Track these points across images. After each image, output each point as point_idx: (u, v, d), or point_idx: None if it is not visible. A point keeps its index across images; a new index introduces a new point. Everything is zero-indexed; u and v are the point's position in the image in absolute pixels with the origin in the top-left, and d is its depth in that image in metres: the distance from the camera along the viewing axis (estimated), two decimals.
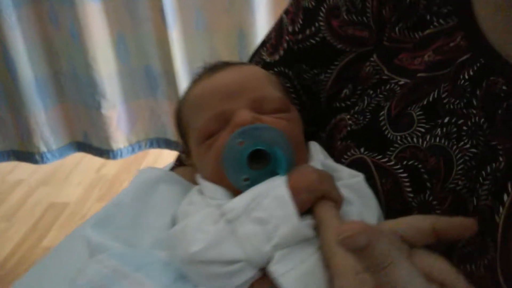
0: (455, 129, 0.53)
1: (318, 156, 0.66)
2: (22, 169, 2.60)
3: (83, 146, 2.08)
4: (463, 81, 0.52)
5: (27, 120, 1.95)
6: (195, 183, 0.68)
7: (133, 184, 0.67)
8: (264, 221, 0.52)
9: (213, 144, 0.62)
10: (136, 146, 2.03)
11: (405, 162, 0.58)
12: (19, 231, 2.24)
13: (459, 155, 0.52)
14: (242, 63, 0.75)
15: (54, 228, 2.27)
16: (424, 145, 0.54)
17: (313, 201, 0.53)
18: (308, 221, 0.52)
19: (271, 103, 0.63)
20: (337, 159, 0.66)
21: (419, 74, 0.56)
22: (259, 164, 0.58)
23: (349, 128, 0.63)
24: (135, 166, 2.62)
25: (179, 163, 0.82)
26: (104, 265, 0.55)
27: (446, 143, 0.53)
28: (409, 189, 0.57)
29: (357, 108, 0.63)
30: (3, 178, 2.69)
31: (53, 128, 2.00)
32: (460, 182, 0.51)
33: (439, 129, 0.54)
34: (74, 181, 2.65)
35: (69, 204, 2.45)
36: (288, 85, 0.73)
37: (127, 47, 1.88)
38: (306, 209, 0.53)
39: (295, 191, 0.53)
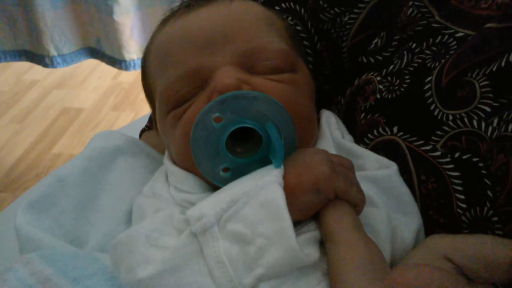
0: None
1: (333, 134, 0.49)
2: (38, 70, 2.49)
3: (96, 52, 1.95)
4: None
5: (36, 19, 1.82)
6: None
7: (84, 154, 0.53)
8: (244, 239, 0.37)
9: (181, 116, 0.46)
10: None
11: (458, 155, 0.42)
12: (30, 135, 2.18)
13: None
14: None
15: (66, 134, 2.20)
16: (489, 133, 0.38)
17: (322, 204, 0.38)
18: (311, 233, 0.38)
19: (269, 58, 0.46)
20: (359, 137, 0.49)
21: (487, 25, 0.39)
22: (245, 147, 0.42)
23: (378, 96, 0.46)
24: None
25: (151, 125, 0.67)
26: (32, 270, 0.42)
27: None
28: (460, 196, 0.41)
29: (392, 67, 0.46)
30: (18, 78, 2.61)
31: (64, 31, 1.87)
32: None
33: (509, 110, 0.37)
34: (90, 87, 2.55)
35: (83, 110, 2.37)
36: (299, 28, 0.55)
37: None
38: (310, 216, 0.38)
39: (295, 190, 0.38)
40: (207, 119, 0.40)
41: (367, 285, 0.32)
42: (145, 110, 2.33)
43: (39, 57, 1.94)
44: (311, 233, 0.38)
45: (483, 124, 0.40)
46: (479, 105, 0.40)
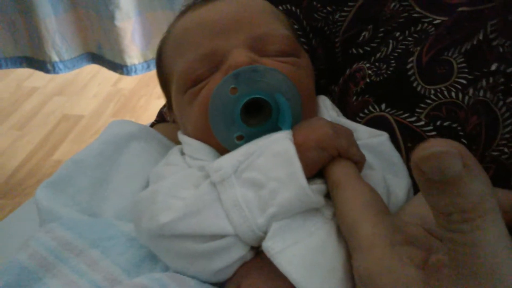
0: (502, 80, 0.40)
1: (329, 113, 0.54)
2: (38, 76, 2.50)
3: (97, 58, 1.96)
4: None
5: (37, 25, 1.82)
6: (177, 142, 0.56)
7: (100, 139, 0.56)
8: (259, 184, 0.40)
9: (199, 92, 0.49)
10: (152, 62, 1.89)
11: (439, 123, 0.46)
12: (30, 142, 2.18)
13: (506, 114, 0.40)
14: None
15: (66, 141, 2.20)
16: (466, 101, 0.43)
17: (326, 161, 0.41)
18: (317, 185, 0.41)
19: (276, 42, 0.51)
20: (352, 117, 0.54)
21: (460, 9, 0.44)
22: (256, 119, 0.46)
23: (368, 80, 0.51)
24: (154, 83, 2.50)
25: (160, 119, 0.71)
26: (53, 236, 0.45)
27: (491, 97, 0.41)
28: None
29: (379, 54, 0.51)
30: (19, 85, 2.61)
31: (65, 37, 1.88)
32: (506, 150, 0.39)
33: (484, 80, 0.42)
34: (90, 93, 2.55)
35: (84, 117, 2.37)
36: (295, 26, 0.60)
37: None
38: (315, 172, 0.41)
39: (302, 148, 0.41)
40: (224, 91, 0.45)
41: (372, 216, 0.35)
42: (145, 117, 2.33)
43: (40, 63, 1.94)
44: (317, 185, 0.41)
45: (460, 95, 0.45)
46: (456, 79, 0.45)
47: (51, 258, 0.43)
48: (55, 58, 1.90)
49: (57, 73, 1.94)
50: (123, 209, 0.51)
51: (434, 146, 0.26)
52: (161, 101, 2.30)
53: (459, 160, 0.26)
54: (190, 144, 0.50)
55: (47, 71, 1.94)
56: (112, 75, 2.58)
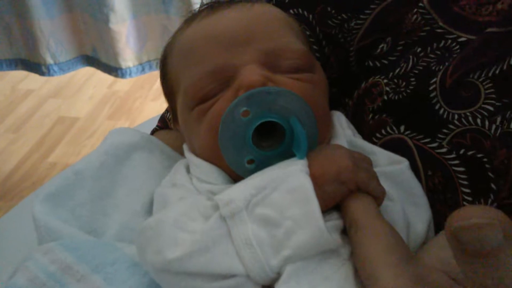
0: None
1: (345, 132, 0.51)
2: (34, 79, 2.50)
3: (92, 60, 1.96)
4: None
5: (32, 28, 1.83)
6: (181, 151, 0.54)
7: (100, 149, 0.54)
8: (273, 223, 0.38)
9: (207, 110, 0.47)
10: (147, 65, 1.89)
11: (463, 151, 0.43)
12: (25, 144, 2.18)
13: None
14: (252, 1, 0.56)
15: (62, 143, 2.20)
16: (493, 130, 0.40)
17: (345, 196, 0.39)
18: (334, 221, 0.39)
19: (290, 58, 0.48)
20: (367, 137, 0.51)
21: (489, 29, 0.41)
22: (269, 142, 0.44)
23: (385, 97, 0.48)
24: (149, 85, 2.50)
25: (162, 125, 0.68)
26: (53, 258, 0.43)
27: None
28: (466, 190, 0.42)
29: (398, 70, 0.48)
30: (13, 87, 2.61)
31: (60, 39, 1.88)
32: None
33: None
34: (86, 95, 2.55)
35: (79, 119, 2.37)
36: (308, 33, 0.57)
37: None
38: (332, 206, 0.39)
39: (320, 181, 0.39)
40: (235, 113, 0.42)
41: (394, 265, 0.33)
42: (141, 119, 2.33)
43: (35, 66, 1.94)
44: (333, 221, 0.39)
45: (486, 123, 0.41)
46: (483, 105, 0.42)
47: (51, 283, 0.41)
48: (49, 60, 1.90)
49: (52, 75, 1.94)
50: (125, 226, 0.49)
51: (473, 216, 0.25)
52: (156, 103, 2.28)
53: (500, 232, 0.24)
54: (198, 165, 0.48)
55: (41, 73, 1.94)
56: (107, 77, 2.57)
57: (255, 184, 0.40)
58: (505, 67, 0.40)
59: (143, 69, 1.89)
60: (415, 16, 0.48)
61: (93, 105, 2.48)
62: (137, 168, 0.53)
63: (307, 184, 0.38)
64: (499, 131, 0.40)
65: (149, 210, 0.50)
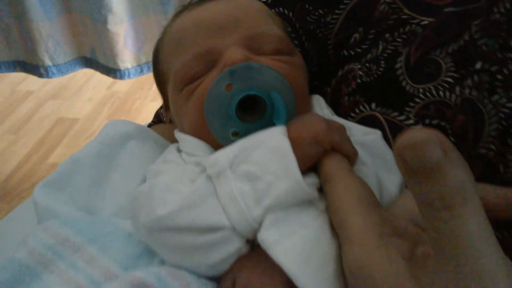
0: (487, 78, 0.42)
1: (323, 112, 0.55)
2: (33, 80, 2.51)
3: (91, 62, 1.97)
4: (498, 15, 0.42)
5: (30, 30, 1.83)
6: (174, 142, 0.56)
7: (97, 139, 0.57)
8: (255, 177, 0.41)
9: (195, 89, 0.50)
10: (145, 66, 1.90)
11: (428, 121, 0.47)
12: (25, 145, 2.19)
13: (492, 112, 0.41)
14: None
15: (61, 144, 2.21)
16: (453, 100, 0.44)
17: (320, 155, 0.42)
18: (311, 179, 0.41)
19: (270, 42, 0.52)
20: (344, 117, 0.55)
21: (446, 9, 0.46)
22: (252, 115, 0.46)
23: (359, 80, 0.52)
24: (148, 85, 2.51)
25: (157, 120, 0.73)
26: (51, 233, 0.45)
27: (477, 96, 0.42)
28: None
29: (369, 55, 0.52)
30: (13, 89, 2.62)
31: (58, 41, 1.89)
32: (493, 147, 0.40)
33: (470, 79, 0.43)
34: (85, 97, 2.56)
35: (79, 120, 2.38)
36: (289, 29, 0.61)
37: None
38: (309, 166, 0.42)
39: (297, 142, 0.42)
40: (219, 87, 0.46)
41: (362, 210, 0.36)
42: (140, 119, 2.34)
43: (34, 68, 1.95)
44: (311, 179, 0.42)
45: (447, 94, 0.46)
46: (444, 78, 0.46)
47: (49, 255, 0.44)
48: (48, 62, 1.91)
49: (51, 77, 1.94)
50: (120, 207, 0.52)
51: (415, 134, 0.27)
52: (156, 104, 2.31)
53: (438, 148, 0.26)
54: (186, 140, 0.51)
55: (40, 75, 1.95)
56: (107, 79, 2.58)
57: (238, 147, 0.43)
58: (462, 42, 0.45)
59: (141, 70, 1.90)
60: (383, 7, 0.53)
61: (93, 106, 2.49)
62: (131, 155, 0.56)
63: (285, 143, 0.41)
64: (458, 100, 0.44)
65: None
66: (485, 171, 0.42)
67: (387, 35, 0.51)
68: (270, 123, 0.46)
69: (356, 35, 0.55)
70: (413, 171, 0.28)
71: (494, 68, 0.42)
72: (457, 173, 0.27)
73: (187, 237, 0.40)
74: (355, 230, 0.35)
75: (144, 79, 2.37)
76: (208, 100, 0.46)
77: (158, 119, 0.73)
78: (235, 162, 0.41)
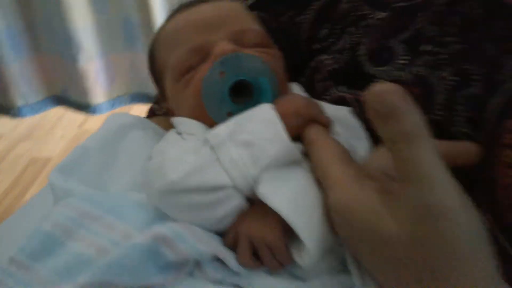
0: (433, 58, 0.50)
1: (302, 95, 0.63)
2: (4, 123, 2.53)
3: (62, 100, 2.01)
4: (439, 6, 0.50)
5: (1, 71, 1.88)
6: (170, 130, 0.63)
7: (102, 128, 0.64)
8: (250, 144, 0.47)
9: (192, 78, 0.58)
10: (117, 101, 1.96)
11: None
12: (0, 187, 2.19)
13: (438, 84, 0.49)
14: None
15: (36, 183, 2.22)
16: (406, 78, 0.52)
17: (302, 125, 0.49)
18: (297, 145, 0.49)
19: (252, 36, 0.60)
20: (318, 99, 0.62)
21: (396, 5, 0.54)
22: (242, 98, 0.54)
23: (329, 68, 0.61)
24: None
25: (152, 114, 0.80)
26: (71, 208, 0.51)
27: (426, 72, 0.50)
28: None
29: (336, 47, 0.60)
30: None
31: (30, 81, 1.93)
32: (441, 113, 0.48)
33: (417, 60, 0.51)
34: (56, 136, 2.58)
35: (51, 159, 2.39)
36: (267, 29, 0.69)
37: None
38: (294, 135, 0.49)
39: (283, 116, 0.49)
40: (214, 75, 0.53)
41: (340, 162, 0.43)
42: None
43: (6, 109, 1.98)
44: (297, 145, 0.48)
45: (402, 73, 0.54)
46: (397, 61, 0.54)
47: (72, 225, 0.49)
48: (20, 102, 1.94)
49: (23, 117, 1.98)
50: (127, 185, 0.57)
51: (379, 87, 0.35)
52: None
53: (397, 96, 0.35)
54: (185, 122, 0.58)
55: (12, 116, 1.97)
56: (78, 117, 2.62)
57: (234, 121, 0.50)
58: (411, 31, 0.53)
59: (113, 105, 1.95)
60: (346, 5, 0.61)
61: (65, 144, 2.51)
62: (133, 141, 0.63)
63: (274, 115, 0.49)
64: (411, 77, 0.52)
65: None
66: (437, 133, 0.48)
67: (350, 29, 0.60)
68: (258, 104, 0.53)
69: (324, 30, 0.63)
70: (379, 114, 0.35)
71: (437, 50, 0.50)
72: (412, 115, 0.35)
73: (196, 197, 0.47)
74: (335, 178, 0.42)
75: None
76: (204, 87, 0.54)
77: (151, 113, 0.80)
78: (233, 133, 0.48)
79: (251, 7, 0.69)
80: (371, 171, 0.43)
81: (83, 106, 1.93)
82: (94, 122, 2.61)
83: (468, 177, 0.39)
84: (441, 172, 0.35)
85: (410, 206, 0.35)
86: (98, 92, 1.90)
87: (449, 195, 0.34)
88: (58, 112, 2.53)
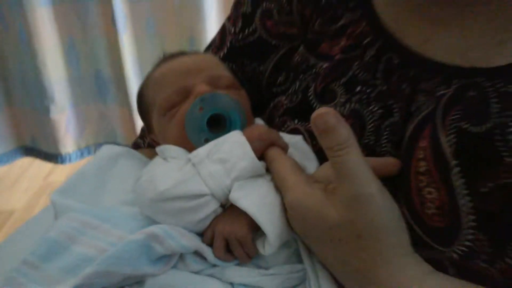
0: (365, 96, 0.62)
1: None
2: None
3: (31, 150, 2.06)
4: (369, 58, 0.62)
5: None
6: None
7: (95, 158, 0.74)
8: (224, 160, 0.58)
9: (176, 113, 0.69)
10: (85, 150, 2.03)
11: None
12: None
13: (369, 116, 0.61)
14: (197, 52, 0.84)
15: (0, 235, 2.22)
16: (345, 112, 0.63)
17: (264, 148, 0.60)
18: (261, 162, 0.60)
19: (225, 80, 0.71)
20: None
21: (337, 57, 0.66)
22: (217, 128, 0.65)
23: (285, 107, 0.72)
24: None
25: (136, 147, 0.89)
26: (73, 219, 0.59)
27: (360, 107, 0.62)
28: None
29: (291, 90, 0.72)
30: None
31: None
32: (372, 137, 0.60)
33: (353, 98, 0.63)
34: (21, 188, 2.60)
35: (15, 211, 2.40)
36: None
37: (77, 52, 1.89)
38: (259, 155, 0.60)
39: (249, 140, 0.60)
40: (194, 110, 0.64)
41: (294, 172, 0.54)
42: None
43: None
44: (260, 162, 0.59)
45: (342, 108, 0.64)
46: (339, 99, 0.65)
47: (75, 233, 0.57)
48: None
49: None
50: (118, 202, 0.66)
51: (320, 111, 0.47)
52: None
53: (333, 117, 0.47)
54: (170, 148, 0.68)
55: None
56: (43, 170, 2.66)
57: (211, 144, 0.61)
58: (348, 76, 0.65)
59: (82, 154, 2.02)
60: (297, 57, 0.73)
61: (29, 197, 2.53)
62: (123, 168, 0.73)
63: (243, 138, 0.60)
64: (348, 111, 0.63)
65: (132, 195, 0.67)
66: (368, 153, 0.60)
67: (301, 76, 0.71)
68: (230, 132, 0.64)
69: (281, 77, 0.75)
70: (320, 130, 0.48)
71: (368, 90, 0.62)
72: (344, 130, 0.47)
73: (180, 203, 0.57)
74: (291, 183, 0.53)
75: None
76: (187, 119, 0.65)
77: (136, 146, 0.89)
78: (210, 153, 0.59)
79: (223, 59, 0.81)
80: (317, 178, 0.55)
81: (52, 156, 1.99)
82: (59, 174, 2.65)
83: (391, 182, 0.52)
84: (365, 170, 0.47)
85: (344, 197, 0.47)
86: (67, 142, 1.97)
87: (371, 186, 0.47)
88: (23, 165, 2.57)
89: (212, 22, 1.76)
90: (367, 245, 0.46)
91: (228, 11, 0.84)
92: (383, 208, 0.46)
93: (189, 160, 0.60)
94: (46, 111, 1.89)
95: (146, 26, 1.83)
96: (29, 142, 2.04)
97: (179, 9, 1.76)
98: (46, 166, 2.43)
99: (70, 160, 1.99)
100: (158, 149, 0.71)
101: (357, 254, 0.47)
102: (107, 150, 0.75)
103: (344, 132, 0.48)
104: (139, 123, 1.88)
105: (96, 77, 1.92)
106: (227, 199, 0.57)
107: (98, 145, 2.04)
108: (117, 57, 1.84)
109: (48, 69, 1.85)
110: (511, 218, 0.45)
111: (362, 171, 0.47)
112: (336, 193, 0.48)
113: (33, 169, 2.67)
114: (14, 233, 0.82)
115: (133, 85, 1.89)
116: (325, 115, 0.47)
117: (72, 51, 1.88)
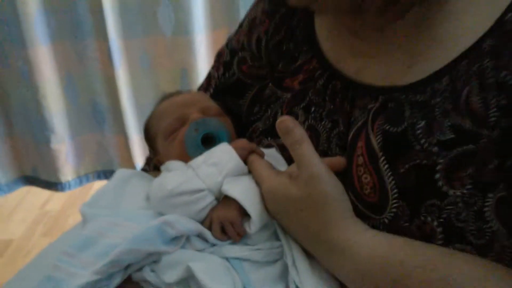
0: (318, 114, 0.78)
1: None
2: None
3: (32, 179, 2.15)
4: (319, 86, 0.79)
5: None
6: None
7: (112, 179, 0.88)
8: (216, 163, 0.74)
9: (176, 136, 0.85)
10: (84, 178, 2.14)
11: None
12: None
13: (322, 129, 0.77)
14: (190, 91, 1.07)
15: None
16: (304, 127, 0.78)
17: (246, 154, 0.76)
18: (245, 165, 0.76)
19: (213, 110, 0.89)
20: None
21: (296, 88, 0.84)
22: (209, 145, 0.81)
23: (260, 129, 0.89)
24: (80, 201, 2.61)
25: (145, 168, 1.06)
26: (101, 220, 0.74)
27: (315, 123, 0.78)
28: None
29: (264, 117, 0.90)
30: None
31: (1, 162, 2.07)
32: (325, 145, 0.75)
33: (310, 116, 0.79)
34: (18, 218, 2.68)
35: (13, 241, 2.49)
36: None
37: (75, 85, 2.00)
38: (242, 160, 0.76)
39: (235, 148, 0.76)
40: (191, 131, 0.80)
41: (269, 169, 0.71)
42: None
43: None
44: (244, 165, 0.75)
45: (302, 125, 0.77)
46: (300, 119, 0.80)
47: (103, 230, 0.70)
48: None
49: None
50: (135, 208, 0.80)
51: (282, 118, 0.66)
52: None
53: (290, 121, 0.64)
54: (173, 162, 0.82)
55: None
56: (39, 199, 2.75)
57: (206, 154, 0.76)
58: (306, 102, 0.81)
59: (80, 182, 2.13)
60: (268, 92, 0.89)
61: (26, 226, 2.61)
62: (136, 185, 0.86)
63: (230, 147, 0.76)
64: (306, 126, 0.78)
65: (145, 203, 0.81)
66: (322, 155, 0.73)
67: (271, 105, 0.88)
68: None
69: (256, 108, 0.91)
70: (283, 132, 0.65)
71: (320, 110, 0.77)
72: (299, 130, 0.64)
73: (184, 198, 0.72)
74: (265, 176, 0.70)
75: (77, 195, 2.57)
76: (185, 139, 0.81)
77: (144, 171, 1.03)
78: (205, 159, 0.75)
79: (211, 96, 0.99)
80: (286, 172, 0.71)
81: (52, 184, 2.09)
82: (56, 203, 2.74)
83: (341, 174, 0.67)
84: (316, 158, 0.64)
85: (303, 177, 0.63)
86: (67, 170, 2.07)
87: (321, 168, 0.63)
88: (19, 195, 2.66)
89: (202, 55, 1.91)
90: (321, 211, 0.62)
91: (216, 47, 1.02)
92: (330, 183, 0.63)
93: (190, 166, 0.76)
94: (47, 141, 2.00)
95: (140, 61, 1.97)
96: (30, 172, 2.14)
97: (171, 44, 1.91)
98: (43, 195, 2.52)
99: (69, 187, 2.09)
100: (163, 166, 0.86)
101: (314, 219, 0.63)
102: (122, 172, 0.91)
103: (299, 131, 0.66)
104: (135, 151, 2.03)
105: (93, 109, 2.03)
106: (220, 193, 0.73)
107: (96, 173, 2.16)
108: (113, 90, 1.96)
109: (48, 102, 1.94)
110: (421, 188, 0.61)
111: (313, 158, 0.65)
112: (297, 177, 0.65)
113: (30, 198, 2.76)
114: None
115: (129, 115, 2.01)
116: (285, 121, 0.66)
117: (70, 85, 1.99)
